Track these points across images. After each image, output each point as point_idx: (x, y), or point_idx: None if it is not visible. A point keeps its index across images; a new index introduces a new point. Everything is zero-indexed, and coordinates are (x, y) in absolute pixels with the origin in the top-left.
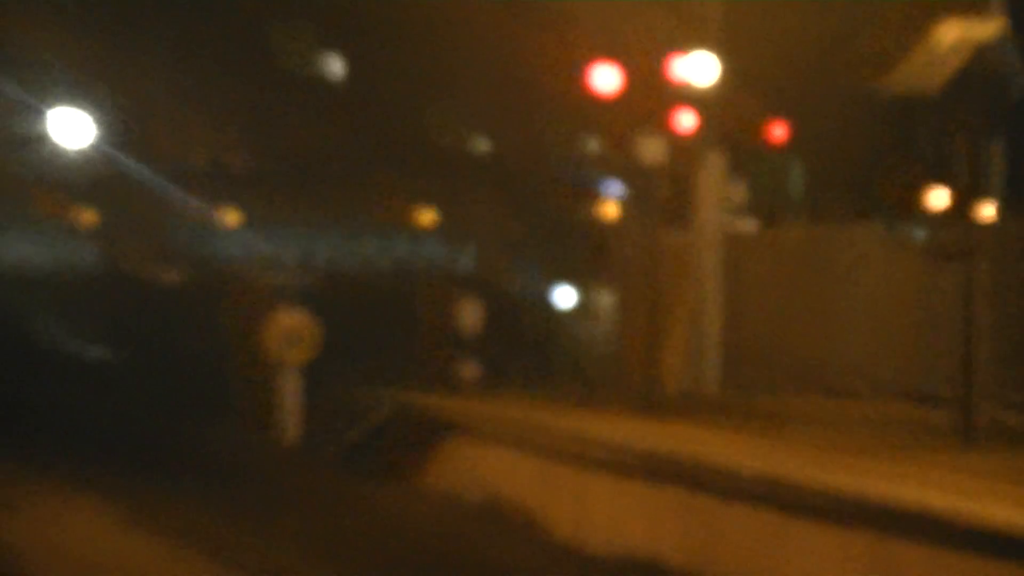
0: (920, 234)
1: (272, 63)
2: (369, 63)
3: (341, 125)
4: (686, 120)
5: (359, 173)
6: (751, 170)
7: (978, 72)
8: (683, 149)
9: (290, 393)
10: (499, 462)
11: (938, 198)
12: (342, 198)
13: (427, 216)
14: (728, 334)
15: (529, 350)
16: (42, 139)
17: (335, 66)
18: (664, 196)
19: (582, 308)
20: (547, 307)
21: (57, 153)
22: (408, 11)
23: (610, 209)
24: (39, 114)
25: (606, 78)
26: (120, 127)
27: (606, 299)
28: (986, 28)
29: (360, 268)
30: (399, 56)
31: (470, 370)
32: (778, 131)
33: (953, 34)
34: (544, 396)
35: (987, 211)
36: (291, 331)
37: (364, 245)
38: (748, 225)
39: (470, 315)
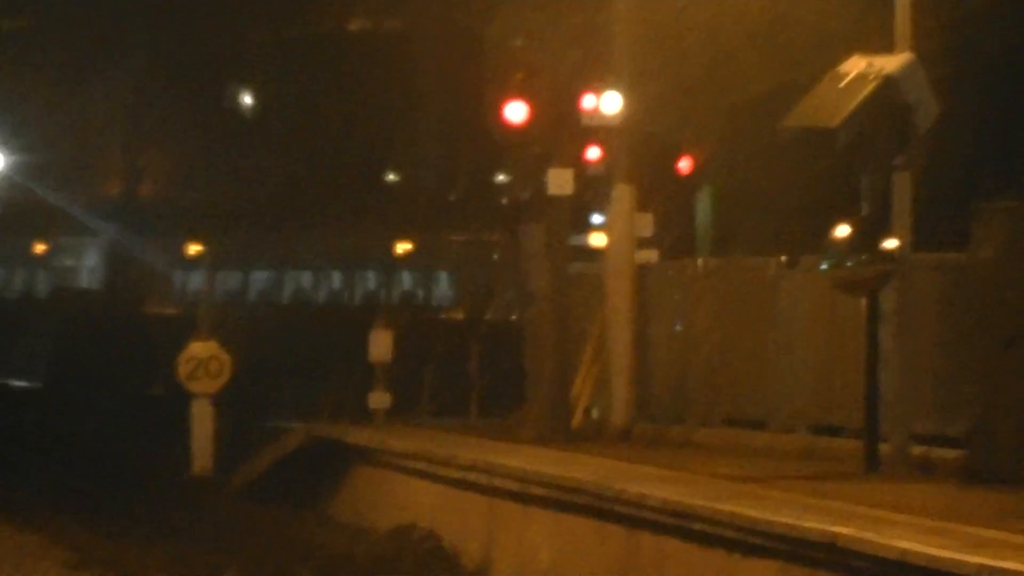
0: (827, 265)
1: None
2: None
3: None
4: (594, 152)
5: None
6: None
7: (884, 105)
8: (591, 180)
9: (202, 422)
10: (409, 491)
11: (843, 231)
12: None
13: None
14: (638, 365)
15: (441, 379)
16: None
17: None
18: (577, 226)
19: (495, 337)
20: (460, 335)
21: None
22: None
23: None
24: None
25: (516, 112)
26: (44, 159)
27: (521, 328)
28: (892, 61)
29: (276, 299)
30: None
31: (382, 400)
32: (684, 164)
33: (857, 68)
34: (455, 425)
35: (893, 243)
36: (202, 360)
37: (282, 277)
38: (655, 256)
39: (381, 344)
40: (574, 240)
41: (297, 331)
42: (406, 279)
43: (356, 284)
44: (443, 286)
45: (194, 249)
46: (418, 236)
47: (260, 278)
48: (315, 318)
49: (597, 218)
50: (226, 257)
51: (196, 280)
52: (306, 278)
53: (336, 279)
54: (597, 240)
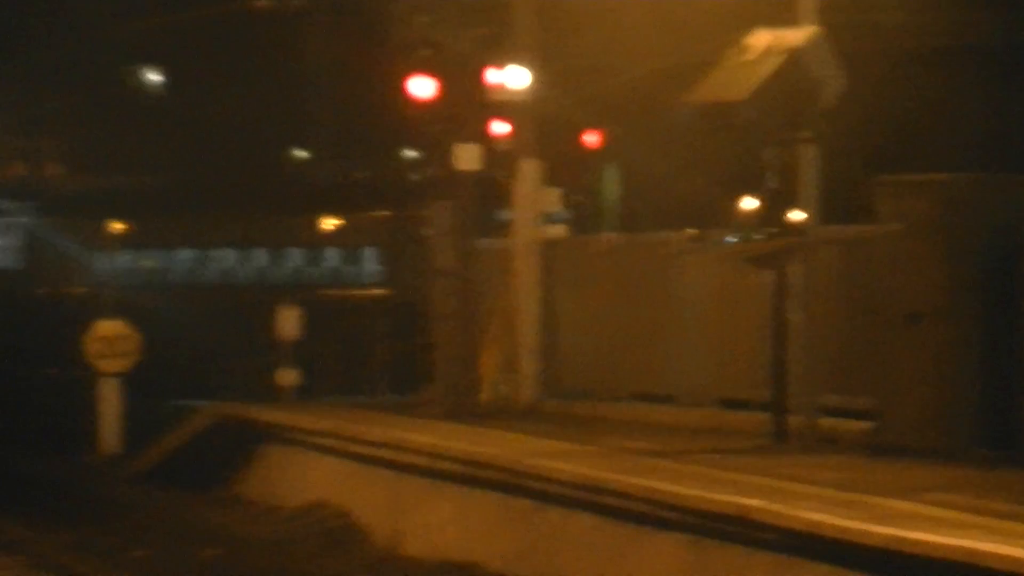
0: (732, 240)
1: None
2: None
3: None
4: (500, 128)
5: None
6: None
7: (789, 79)
8: (498, 156)
9: (110, 403)
10: (317, 470)
11: (748, 204)
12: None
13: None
14: (546, 341)
15: (351, 357)
16: None
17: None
18: (479, 203)
19: (406, 314)
20: (371, 313)
21: None
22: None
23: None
24: None
25: (422, 87)
26: None
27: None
28: (797, 35)
29: (188, 279)
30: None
31: (289, 378)
32: (590, 139)
33: (762, 42)
34: (363, 403)
35: (798, 216)
36: (110, 340)
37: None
38: (562, 231)
39: (289, 323)
40: (501, 216)
41: (212, 311)
42: (332, 257)
43: (280, 263)
44: (370, 263)
45: (112, 230)
46: (343, 213)
47: (184, 258)
48: (231, 297)
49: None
50: (148, 237)
51: (116, 261)
52: (229, 257)
53: (260, 258)
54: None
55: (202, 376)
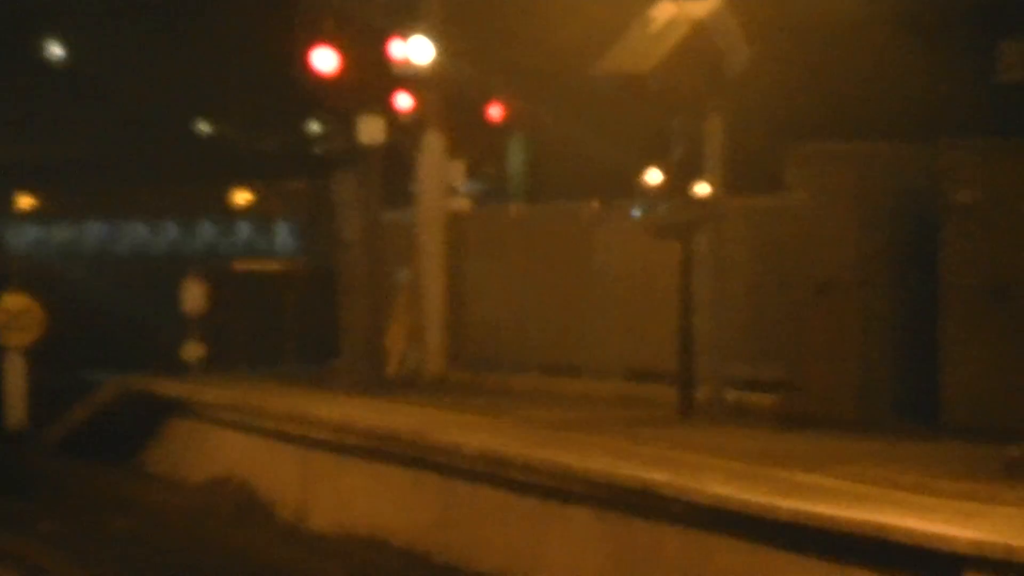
0: (639, 211)
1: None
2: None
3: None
4: (405, 100)
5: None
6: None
7: (694, 50)
8: (403, 128)
9: (15, 376)
10: (224, 443)
11: (656, 175)
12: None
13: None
14: (453, 313)
15: (257, 330)
16: None
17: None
18: (383, 175)
19: (316, 286)
20: (277, 286)
21: None
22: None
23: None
24: None
25: (326, 60)
26: None
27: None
28: (701, 6)
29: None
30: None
31: (196, 352)
32: (496, 111)
33: (667, 13)
34: (270, 376)
35: (705, 187)
36: (14, 314)
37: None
38: (468, 203)
39: (195, 296)
40: (468, 185)
41: (123, 284)
42: (244, 229)
43: (194, 236)
44: (285, 236)
45: (22, 203)
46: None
47: (95, 231)
48: (142, 270)
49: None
50: (59, 210)
51: (26, 234)
52: (141, 230)
53: (172, 230)
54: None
55: (112, 349)
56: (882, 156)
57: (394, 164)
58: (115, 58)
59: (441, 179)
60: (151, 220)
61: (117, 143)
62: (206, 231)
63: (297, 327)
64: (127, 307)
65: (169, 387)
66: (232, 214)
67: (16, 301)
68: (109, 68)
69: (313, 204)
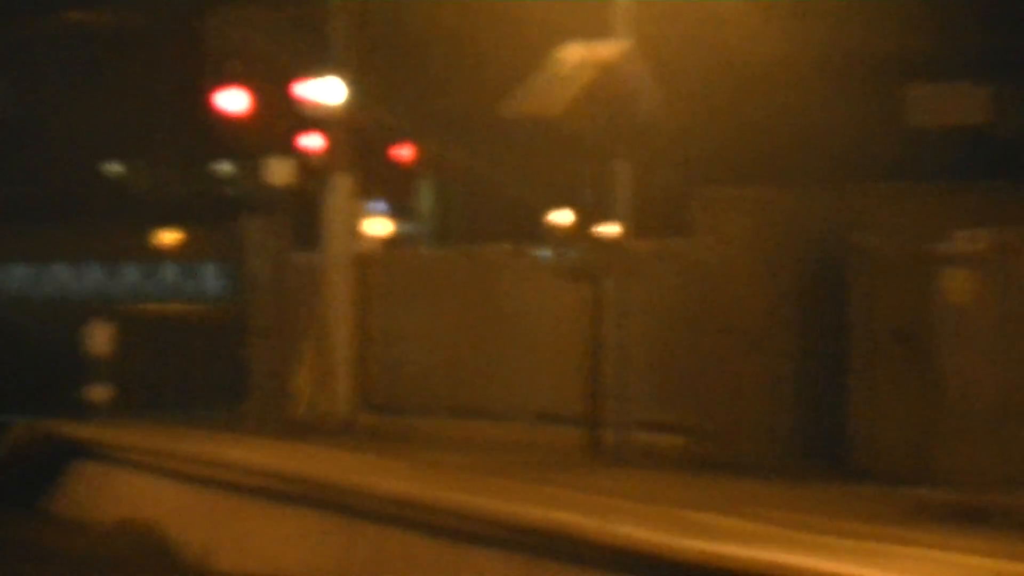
0: (548, 254)
1: None
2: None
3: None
4: (315, 141)
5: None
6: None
7: (603, 93)
8: (312, 170)
9: None
10: (131, 486)
11: (565, 218)
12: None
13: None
14: (361, 356)
15: (166, 372)
16: None
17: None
18: (293, 217)
19: (226, 329)
20: (187, 328)
21: None
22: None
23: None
24: None
25: (235, 101)
26: None
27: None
28: (611, 48)
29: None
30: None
31: (102, 394)
32: (407, 152)
33: (576, 55)
34: (177, 419)
35: (614, 231)
36: None
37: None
38: (376, 245)
39: (106, 338)
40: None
41: (42, 327)
42: (170, 271)
43: (118, 278)
44: (211, 278)
45: None
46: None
47: (19, 274)
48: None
49: (377, 204)
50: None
51: None
52: (65, 272)
53: (96, 273)
54: (372, 227)
55: (27, 391)
56: (787, 200)
57: (308, 206)
58: (32, 100)
59: (349, 221)
60: (74, 262)
61: (34, 185)
62: (130, 273)
63: (205, 370)
64: (45, 350)
65: (76, 430)
66: (157, 256)
67: None
68: (24, 109)
69: (238, 246)
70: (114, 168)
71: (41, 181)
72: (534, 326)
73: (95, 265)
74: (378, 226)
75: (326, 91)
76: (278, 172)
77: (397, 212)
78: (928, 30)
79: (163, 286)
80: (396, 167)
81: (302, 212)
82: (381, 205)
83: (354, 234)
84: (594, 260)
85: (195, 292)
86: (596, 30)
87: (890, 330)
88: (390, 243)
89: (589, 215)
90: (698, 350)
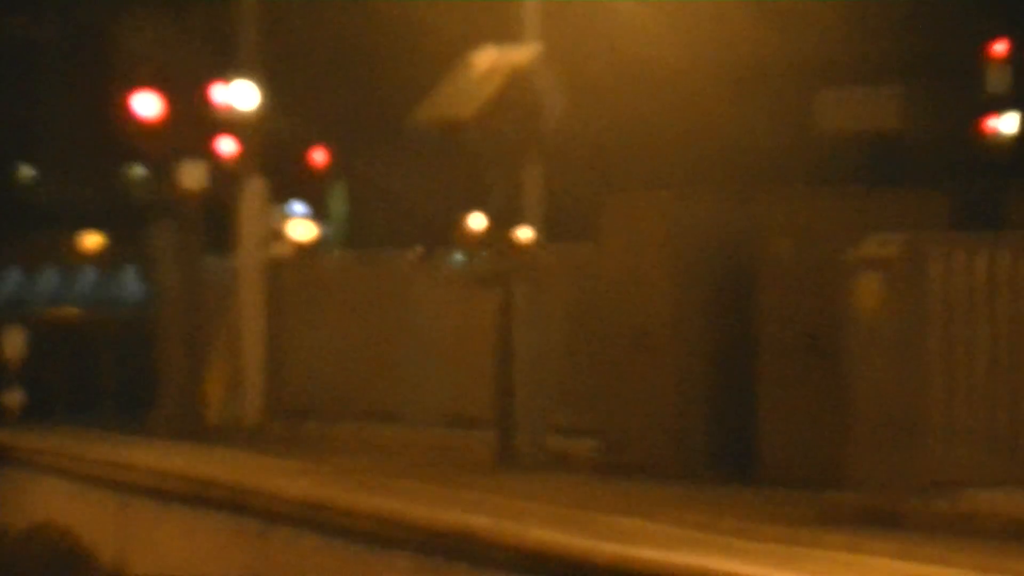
0: (459, 259)
1: None
2: None
3: None
4: (227, 146)
5: None
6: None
7: (513, 98)
8: (225, 174)
9: None
10: (43, 491)
11: (475, 223)
12: None
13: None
14: (272, 361)
15: (80, 378)
16: None
17: None
18: (205, 222)
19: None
20: (100, 333)
21: None
22: None
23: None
24: None
25: (147, 105)
26: None
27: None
28: (521, 54)
29: None
30: None
31: (15, 399)
32: (319, 157)
33: (487, 61)
34: (94, 424)
35: (524, 236)
36: None
37: None
38: (288, 250)
39: (17, 344)
40: (282, 231)
41: None
42: (90, 276)
43: (37, 283)
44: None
45: None
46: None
47: None
48: None
49: (298, 207)
50: None
51: None
52: None
53: (15, 278)
54: (295, 230)
55: None
56: (695, 205)
57: (220, 210)
58: None
59: (261, 225)
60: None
61: None
62: (50, 279)
63: (118, 376)
64: None
65: None
66: (77, 261)
67: None
68: None
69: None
70: (26, 172)
71: None
72: (445, 331)
73: (13, 270)
74: (301, 229)
75: (237, 96)
76: (190, 176)
77: (315, 216)
78: (840, 36)
79: (83, 292)
80: (308, 171)
81: (214, 217)
82: (303, 208)
83: (266, 239)
84: (502, 265)
85: (115, 297)
86: (507, 36)
87: (807, 335)
88: (305, 248)
89: (500, 220)
90: (609, 356)
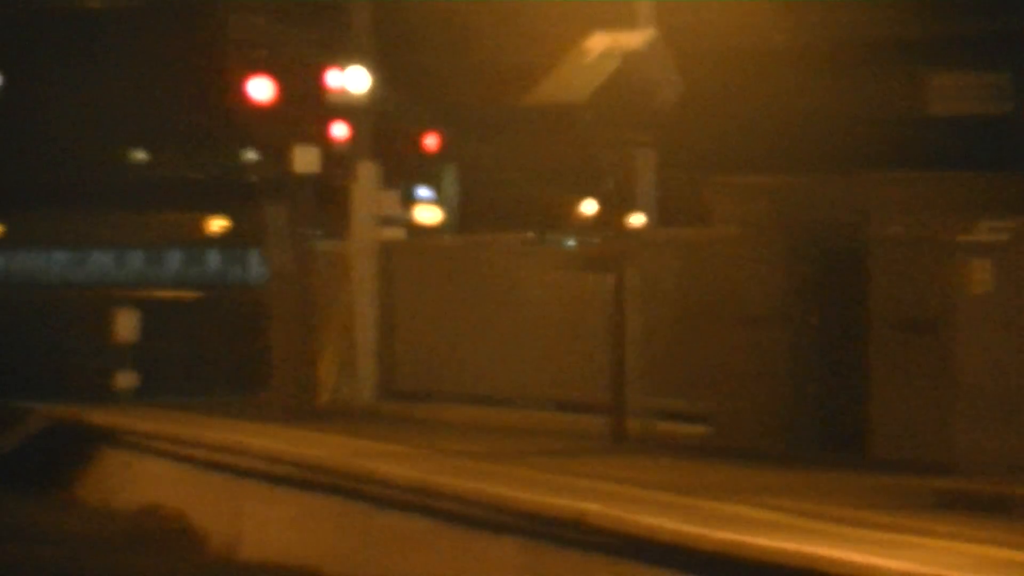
0: (571, 243)
1: None
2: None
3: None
4: (339, 130)
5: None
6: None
7: (628, 82)
8: (337, 158)
9: None
10: (155, 473)
11: (588, 208)
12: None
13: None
14: (385, 343)
15: (190, 359)
16: None
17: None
18: (318, 205)
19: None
20: (215, 316)
21: None
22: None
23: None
24: None
25: (261, 89)
26: None
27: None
28: (635, 38)
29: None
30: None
31: (131, 380)
32: (431, 141)
33: (601, 44)
34: (204, 406)
35: (636, 220)
36: None
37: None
38: (400, 234)
39: (129, 325)
40: (398, 215)
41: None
42: (213, 258)
43: (161, 265)
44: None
45: None
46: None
47: (61, 259)
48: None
49: (423, 191)
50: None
51: None
52: (106, 260)
53: (139, 260)
54: (421, 215)
55: (41, 377)
56: (806, 189)
57: (332, 193)
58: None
59: (373, 208)
60: (117, 249)
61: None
62: (174, 260)
63: (229, 356)
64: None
65: (98, 416)
66: (203, 243)
67: None
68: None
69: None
70: (138, 155)
71: (68, 167)
72: (557, 314)
73: (135, 251)
74: (427, 214)
75: (350, 80)
76: (302, 160)
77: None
78: (947, 15)
79: (207, 272)
80: (420, 155)
81: (326, 201)
82: (428, 192)
83: (377, 222)
84: (615, 249)
85: (241, 278)
86: (620, 20)
87: (913, 319)
88: (422, 231)
89: (611, 204)
90: (718, 339)
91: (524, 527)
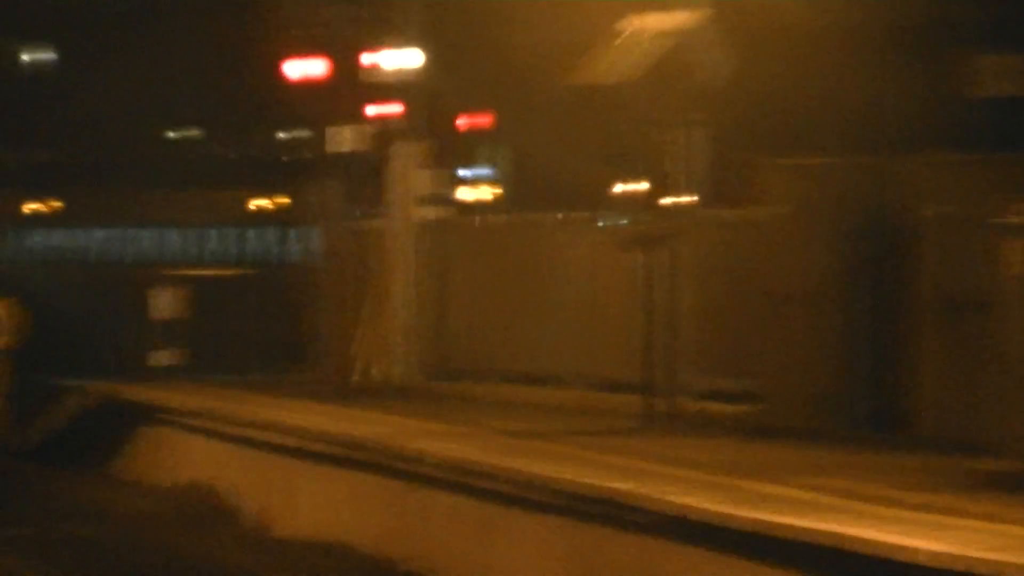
0: (620, 222)
1: None
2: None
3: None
4: (386, 109)
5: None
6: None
7: (676, 61)
8: (384, 137)
9: None
10: (192, 450)
11: (635, 186)
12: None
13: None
14: (429, 321)
15: (232, 337)
16: None
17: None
18: (367, 183)
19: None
20: (253, 294)
21: None
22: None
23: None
24: None
25: (310, 68)
26: None
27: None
28: (684, 17)
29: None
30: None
31: (171, 358)
32: (478, 120)
33: (653, 23)
34: (242, 383)
35: (686, 199)
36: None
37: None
38: (444, 212)
39: (169, 303)
40: (442, 194)
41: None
42: (253, 236)
43: (204, 242)
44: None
45: (27, 207)
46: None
47: (102, 237)
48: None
49: (479, 171)
50: (66, 215)
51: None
52: (149, 239)
53: (180, 238)
54: (465, 194)
55: (84, 354)
56: (857, 169)
57: (375, 172)
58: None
59: (412, 188)
60: (159, 227)
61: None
62: (215, 238)
63: (263, 333)
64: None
65: (137, 393)
66: (245, 221)
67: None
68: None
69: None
70: (189, 133)
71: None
72: (591, 293)
73: (175, 230)
74: (476, 193)
75: (396, 58)
76: (345, 139)
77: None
78: None
79: (253, 251)
80: (463, 134)
81: (369, 179)
82: (479, 172)
83: (416, 202)
84: (653, 229)
85: (281, 257)
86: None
87: (960, 299)
88: (467, 210)
89: (660, 183)
90: (763, 318)
91: (557, 505)
